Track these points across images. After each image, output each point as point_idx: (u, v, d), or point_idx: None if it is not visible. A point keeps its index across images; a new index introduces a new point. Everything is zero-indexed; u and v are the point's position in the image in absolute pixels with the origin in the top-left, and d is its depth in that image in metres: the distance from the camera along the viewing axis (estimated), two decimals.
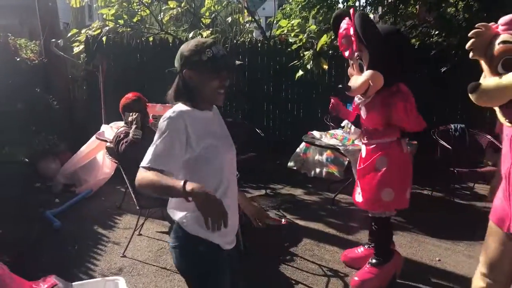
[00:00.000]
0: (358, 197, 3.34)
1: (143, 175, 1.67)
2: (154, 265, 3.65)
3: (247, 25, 7.59)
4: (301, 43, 6.08)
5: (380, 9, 7.52)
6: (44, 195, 5.23)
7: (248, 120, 6.53)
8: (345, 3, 7.47)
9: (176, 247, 1.89)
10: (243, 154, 5.08)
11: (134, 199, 3.79)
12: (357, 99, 3.27)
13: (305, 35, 6.03)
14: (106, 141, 4.75)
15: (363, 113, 3.27)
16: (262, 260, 3.77)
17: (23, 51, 6.27)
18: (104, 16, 7.02)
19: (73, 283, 2.61)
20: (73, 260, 3.71)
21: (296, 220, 4.63)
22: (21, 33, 7.41)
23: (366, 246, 3.63)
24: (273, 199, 5.29)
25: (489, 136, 5.11)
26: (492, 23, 2.04)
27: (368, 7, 7.43)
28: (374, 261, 3.34)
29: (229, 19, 7.34)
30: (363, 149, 3.33)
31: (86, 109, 6.82)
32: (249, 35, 8.15)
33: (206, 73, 1.79)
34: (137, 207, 3.81)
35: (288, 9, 9.51)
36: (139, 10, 7.31)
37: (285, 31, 6.68)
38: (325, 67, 5.71)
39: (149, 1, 7.33)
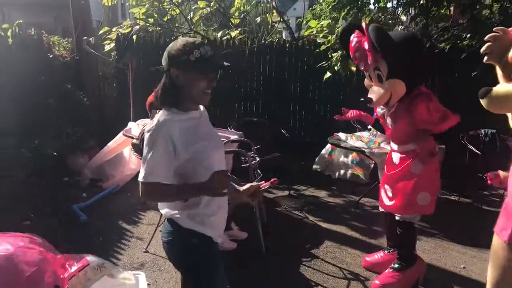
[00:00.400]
0: (387, 201, 3.28)
1: (149, 189, 1.81)
2: None
3: (276, 25, 7.58)
4: (329, 44, 6.04)
5: (411, 10, 7.39)
6: (72, 189, 5.34)
7: (274, 120, 6.53)
8: (376, 4, 7.39)
9: (170, 241, 1.96)
10: (267, 154, 5.09)
11: None
12: (379, 110, 3.25)
13: (334, 36, 5.99)
14: (132, 137, 4.83)
15: (389, 123, 3.23)
16: (282, 260, 3.77)
17: (56, 48, 6.45)
18: (135, 15, 7.14)
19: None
20: (97, 254, 3.76)
21: (318, 222, 4.60)
22: (55, 31, 7.63)
23: (386, 251, 3.57)
24: (296, 200, 5.27)
25: None
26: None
27: (400, 9, 7.32)
28: (396, 265, 3.29)
29: (258, 19, 7.34)
30: (395, 156, 3.26)
31: (116, 106, 6.96)
32: (278, 35, 8.14)
33: (193, 74, 1.81)
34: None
35: (318, 9, 9.47)
36: (170, 9, 7.40)
37: (314, 32, 6.65)
38: (353, 69, 5.66)
39: (179, 0, 7.41)
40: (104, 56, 6.91)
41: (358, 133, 5.22)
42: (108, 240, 4.07)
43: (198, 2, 7.20)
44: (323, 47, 6.07)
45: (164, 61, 1.86)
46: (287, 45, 6.92)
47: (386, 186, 3.31)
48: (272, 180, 2.12)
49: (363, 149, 4.76)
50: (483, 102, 1.96)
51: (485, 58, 2.02)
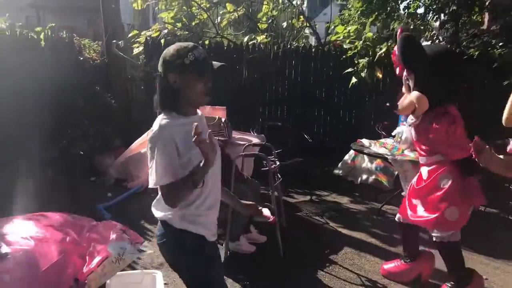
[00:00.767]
0: (411, 213, 3.22)
1: (169, 191, 1.82)
2: None
3: (303, 30, 7.59)
4: (356, 50, 6.01)
5: (442, 16, 7.27)
6: (98, 189, 5.46)
7: (299, 125, 6.53)
8: (405, 10, 7.31)
9: (164, 242, 1.99)
10: (290, 158, 5.09)
11: None
12: (410, 120, 3.21)
13: (361, 42, 5.96)
14: None
15: (414, 135, 3.19)
16: (300, 265, 3.76)
17: (86, 51, 6.62)
18: (164, 19, 7.27)
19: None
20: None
21: (339, 228, 4.57)
22: (87, 34, 7.82)
23: (402, 261, 3.51)
24: (317, 205, 5.25)
25: None
26: None
27: (429, 14, 7.21)
28: (449, 286, 3.21)
29: (284, 24, 7.37)
30: (423, 170, 3.19)
31: (143, 108, 7.06)
32: (304, 40, 8.14)
33: (189, 76, 1.85)
34: None
35: (346, 15, 9.41)
36: (198, 14, 7.50)
37: (341, 37, 6.63)
38: (379, 75, 5.61)
39: (208, 5, 7.51)
40: (132, 59, 7.05)
41: (382, 140, 5.16)
42: None
43: (227, 6, 7.27)
44: (349, 52, 6.05)
45: (160, 67, 1.90)
46: (313, 50, 6.92)
47: (415, 200, 3.23)
48: (272, 218, 2.37)
49: (386, 156, 4.70)
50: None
51: None
